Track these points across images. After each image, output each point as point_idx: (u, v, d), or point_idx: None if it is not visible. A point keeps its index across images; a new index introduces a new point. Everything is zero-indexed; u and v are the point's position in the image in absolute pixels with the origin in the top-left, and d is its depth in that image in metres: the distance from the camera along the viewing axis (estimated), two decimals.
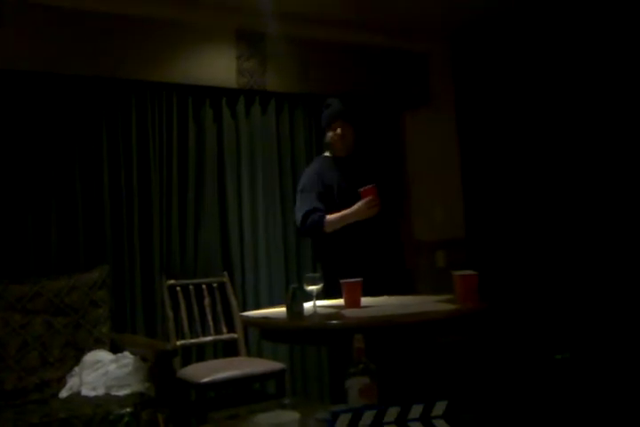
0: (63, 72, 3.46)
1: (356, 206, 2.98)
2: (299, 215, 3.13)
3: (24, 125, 3.38)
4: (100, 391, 2.75)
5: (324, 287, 2.40)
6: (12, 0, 3.30)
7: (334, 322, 2.25)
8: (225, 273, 3.74)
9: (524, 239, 4.03)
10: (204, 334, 3.54)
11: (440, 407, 1.77)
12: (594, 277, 3.56)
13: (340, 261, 3.03)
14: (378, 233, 3.10)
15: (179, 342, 3.42)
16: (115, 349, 3.08)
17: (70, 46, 3.46)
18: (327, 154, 3.31)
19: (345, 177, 3.13)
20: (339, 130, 3.11)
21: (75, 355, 3.01)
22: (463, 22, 4.36)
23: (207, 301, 3.59)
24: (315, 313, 2.33)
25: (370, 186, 2.95)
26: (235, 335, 3.60)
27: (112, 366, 2.84)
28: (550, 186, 3.89)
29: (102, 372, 2.82)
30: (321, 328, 2.29)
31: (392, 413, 1.74)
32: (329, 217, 3.05)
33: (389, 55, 4.49)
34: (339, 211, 3.02)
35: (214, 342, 3.62)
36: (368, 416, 1.73)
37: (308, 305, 2.36)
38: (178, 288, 3.54)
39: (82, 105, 3.54)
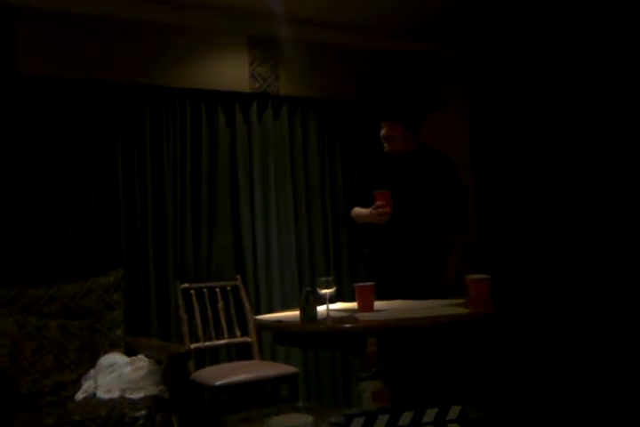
0: (78, 77, 3.50)
1: (368, 209, 2.87)
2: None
3: (39, 130, 3.42)
4: (115, 394, 2.76)
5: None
6: (29, 8, 3.36)
7: (347, 326, 2.25)
8: (238, 277, 3.76)
9: (537, 243, 4.01)
10: (218, 338, 3.56)
11: (454, 411, 1.76)
12: (607, 279, 3.53)
13: (380, 261, 3.00)
14: (426, 234, 2.98)
15: (192, 346, 3.44)
16: (129, 352, 3.10)
17: (85, 52, 3.51)
18: (384, 150, 3.15)
19: (392, 174, 3.03)
20: (383, 131, 3.02)
21: (90, 358, 3.04)
22: (475, 25, 4.35)
23: (221, 304, 3.61)
24: (328, 317, 2.33)
25: (382, 190, 2.80)
26: (248, 339, 3.61)
27: (127, 369, 2.86)
28: (564, 189, 3.87)
29: (117, 375, 2.83)
30: (334, 332, 2.29)
31: (406, 417, 1.74)
32: (354, 209, 3.03)
33: (402, 60, 4.50)
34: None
35: (228, 346, 3.63)
36: (382, 420, 1.73)
37: (321, 309, 2.36)
38: (192, 292, 3.56)
39: (96, 110, 3.57)
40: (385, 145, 3.04)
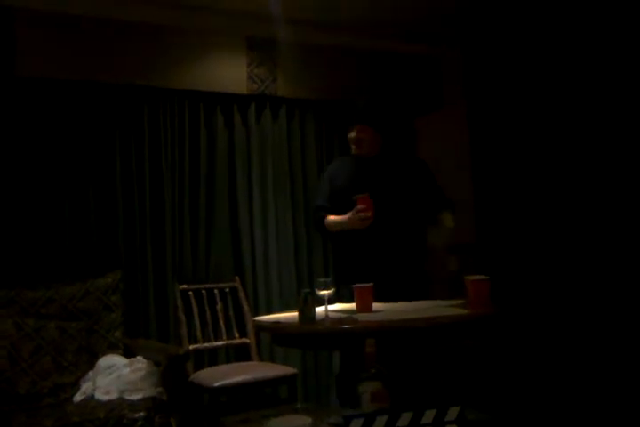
0: (76, 78, 3.51)
1: (347, 214, 2.83)
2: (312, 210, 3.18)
3: (38, 132, 3.43)
4: (114, 396, 2.76)
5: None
6: (28, 9, 3.36)
7: (346, 326, 2.25)
8: (237, 278, 3.76)
9: (536, 243, 4.01)
10: (217, 339, 3.55)
11: (453, 412, 1.76)
12: (606, 280, 3.54)
13: (352, 265, 2.96)
14: (397, 238, 2.95)
15: (191, 347, 3.43)
16: (128, 353, 3.09)
17: (84, 53, 3.52)
18: (352, 152, 3.16)
19: (361, 177, 3.02)
20: (353, 133, 3.03)
21: (88, 359, 3.03)
22: (474, 25, 4.36)
23: (219, 305, 3.61)
24: (326, 318, 2.34)
25: (362, 195, 2.75)
26: (247, 340, 3.61)
27: (125, 371, 2.85)
28: (563, 190, 3.87)
29: (115, 376, 2.83)
30: (333, 333, 2.30)
31: (405, 418, 1.74)
32: (328, 219, 3.00)
33: (401, 60, 4.51)
34: (343, 212, 2.88)
35: (226, 347, 3.63)
36: (380, 421, 1.73)
37: (319, 310, 2.36)
38: (190, 293, 3.55)
39: (95, 111, 3.58)
40: (353, 147, 3.06)
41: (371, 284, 2.49)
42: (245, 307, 3.67)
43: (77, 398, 2.82)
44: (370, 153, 3.05)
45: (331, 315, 2.37)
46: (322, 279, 2.38)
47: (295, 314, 2.39)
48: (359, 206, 2.73)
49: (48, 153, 3.43)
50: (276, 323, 2.50)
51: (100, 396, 2.77)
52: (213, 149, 3.91)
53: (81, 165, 3.50)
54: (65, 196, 3.44)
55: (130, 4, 3.59)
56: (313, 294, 2.34)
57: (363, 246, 2.93)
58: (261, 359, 3.65)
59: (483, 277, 2.46)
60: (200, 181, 3.83)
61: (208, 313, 3.56)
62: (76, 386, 2.91)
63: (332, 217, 2.98)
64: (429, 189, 3.04)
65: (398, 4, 3.93)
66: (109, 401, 2.71)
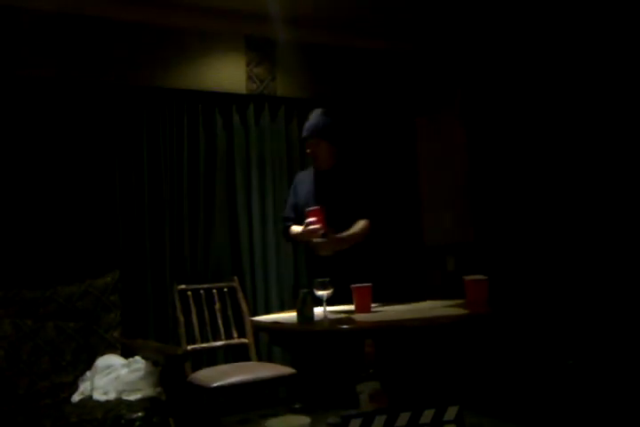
0: (77, 78, 3.51)
1: (301, 227, 2.95)
2: None
3: (38, 132, 3.43)
4: (112, 396, 2.75)
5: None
6: (29, 9, 3.36)
7: (344, 327, 2.26)
8: (235, 278, 3.75)
9: (534, 243, 4.01)
10: (215, 339, 3.55)
11: (452, 412, 1.76)
12: (604, 281, 3.54)
13: (318, 271, 3.01)
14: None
15: (189, 347, 3.43)
16: (126, 353, 3.09)
17: (84, 53, 3.52)
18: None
19: (316, 190, 3.13)
20: (309, 150, 3.15)
21: (86, 359, 3.03)
22: (473, 26, 4.37)
23: (218, 305, 3.60)
24: (325, 318, 2.34)
25: (314, 207, 2.87)
26: (245, 340, 3.60)
27: (123, 371, 2.85)
28: (560, 190, 3.88)
29: (114, 376, 2.82)
30: (331, 333, 2.30)
31: (403, 417, 1.74)
32: (292, 229, 3.14)
33: (400, 60, 4.51)
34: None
35: (225, 347, 3.62)
36: (379, 421, 1.73)
37: (318, 310, 2.36)
38: (189, 293, 3.55)
39: (94, 111, 3.58)
40: (312, 161, 3.18)
41: (369, 284, 2.49)
42: (244, 307, 3.67)
43: (75, 398, 2.82)
44: (326, 166, 3.16)
45: (329, 315, 2.37)
46: (320, 280, 2.39)
47: (294, 314, 2.39)
48: (309, 219, 2.85)
49: (47, 153, 3.43)
50: (275, 323, 2.50)
51: (99, 396, 2.76)
52: (212, 148, 3.91)
53: (80, 165, 3.50)
54: (64, 195, 3.44)
55: (129, 5, 3.59)
56: (311, 294, 2.34)
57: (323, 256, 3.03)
58: (260, 359, 3.65)
59: (481, 276, 2.46)
60: (199, 181, 3.83)
61: (206, 313, 3.55)
62: (74, 386, 2.91)
63: (293, 228, 3.13)
64: (356, 198, 3.10)
65: (397, 5, 3.94)
66: (107, 401, 2.70)
